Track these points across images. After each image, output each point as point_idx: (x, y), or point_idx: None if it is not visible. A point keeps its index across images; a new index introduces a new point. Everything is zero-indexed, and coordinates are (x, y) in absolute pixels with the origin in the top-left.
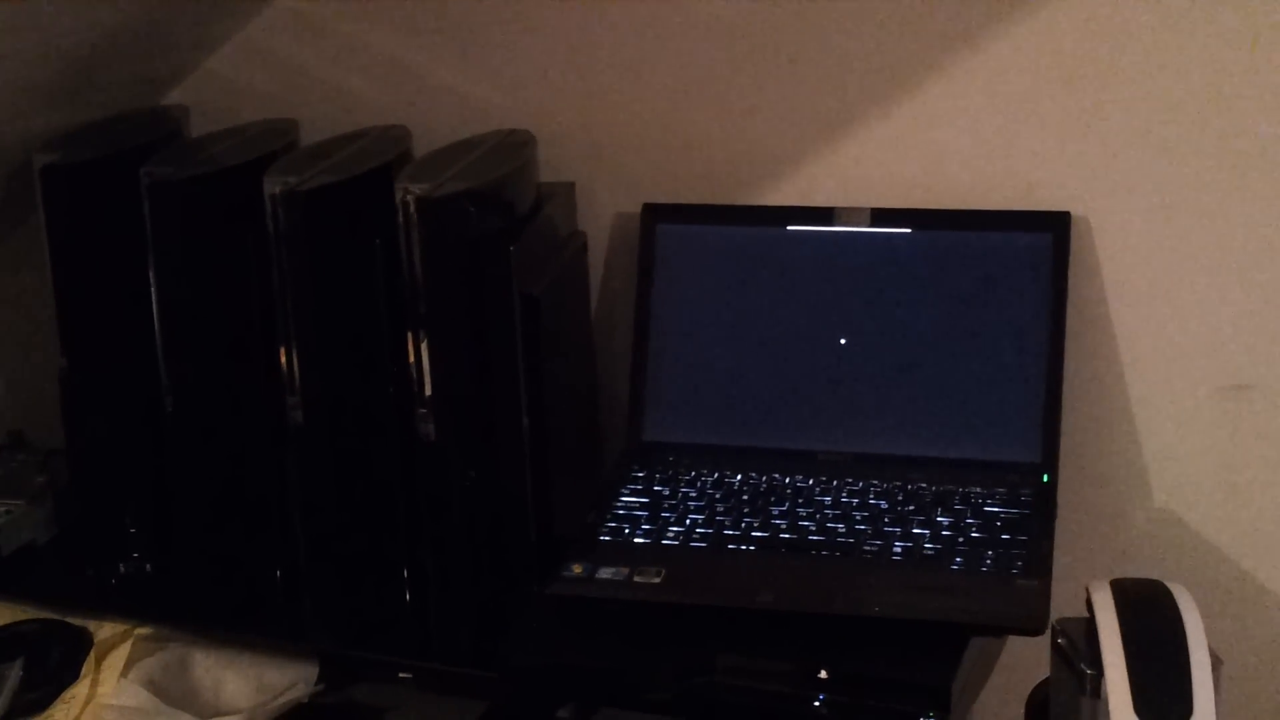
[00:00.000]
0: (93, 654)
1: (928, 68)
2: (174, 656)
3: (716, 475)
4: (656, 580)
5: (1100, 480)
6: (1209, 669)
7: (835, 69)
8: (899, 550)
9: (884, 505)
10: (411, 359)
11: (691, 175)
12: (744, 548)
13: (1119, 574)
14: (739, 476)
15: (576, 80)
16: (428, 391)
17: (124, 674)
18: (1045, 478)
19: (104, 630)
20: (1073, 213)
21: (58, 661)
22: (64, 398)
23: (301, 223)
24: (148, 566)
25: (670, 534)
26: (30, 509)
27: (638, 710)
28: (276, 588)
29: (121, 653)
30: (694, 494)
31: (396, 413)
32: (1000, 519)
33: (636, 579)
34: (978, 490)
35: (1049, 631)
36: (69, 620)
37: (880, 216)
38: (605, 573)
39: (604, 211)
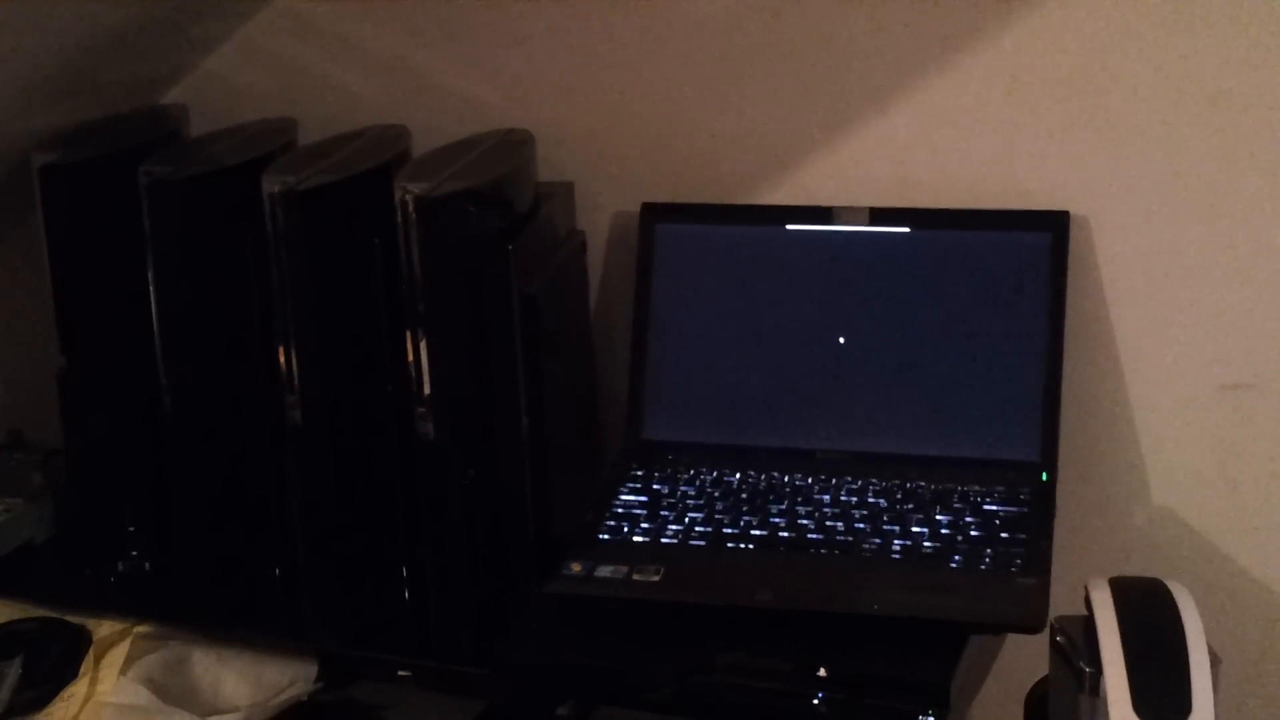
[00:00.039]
0: (92, 652)
1: (927, 67)
2: (173, 655)
3: (715, 474)
4: (655, 579)
5: (1099, 479)
6: (1208, 667)
7: (834, 68)
8: (898, 549)
9: (883, 504)
10: (410, 358)
11: (690, 174)
12: (743, 546)
13: (1118, 572)
14: (738, 475)
15: (575, 79)
16: (427, 391)
17: (123, 672)
18: (1044, 476)
19: (103, 629)
20: (1072, 212)
21: (57, 660)
22: (63, 397)
23: (300, 222)
24: (147, 565)
25: (669, 533)
26: (29, 508)
27: (637, 709)
28: (275, 586)
29: (120, 651)
30: (693, 492)
31: (395, 412)
32: (999, 517)
33: (635, 577)
34: (977, 489)
35: (1048, 630)
36: (68, 619)
37: (879, 216)
38: (604, 571)
39: (603, 211)
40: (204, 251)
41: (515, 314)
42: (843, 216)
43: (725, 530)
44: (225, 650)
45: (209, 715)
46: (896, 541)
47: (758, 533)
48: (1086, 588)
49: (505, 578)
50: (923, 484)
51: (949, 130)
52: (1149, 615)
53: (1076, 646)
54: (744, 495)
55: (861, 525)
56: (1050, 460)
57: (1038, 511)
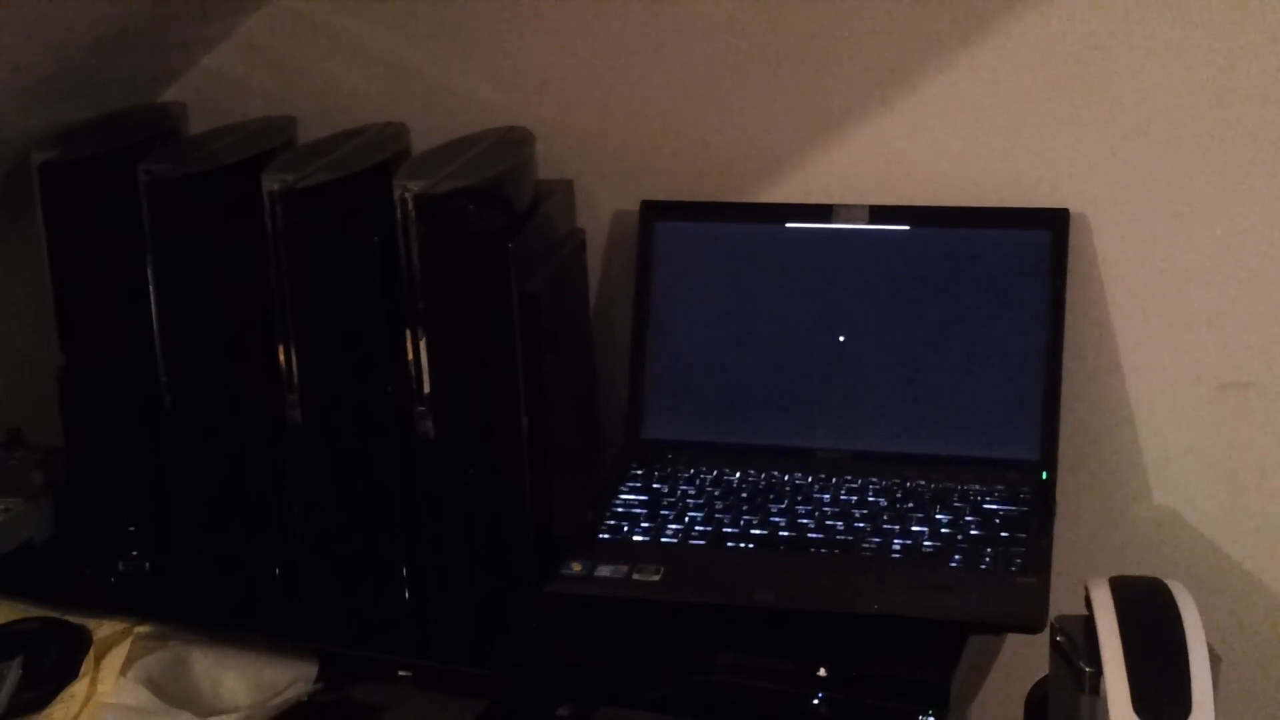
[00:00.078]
0: (92, 652)
1: (926, 65)
2: (173, 655)
3: (715, 473)
4: (655, 578)
5: (1099, 478)
6: (1208, 667)
7: (834, 66)
8: (898, 548)
9: (883, 503)
10: (410, 357)
11: (690, 172)
12: (743, 546)
13: (1118, 571)
14: (737, 474)
15: (575, 77)
16: (426, 389)
17: (123, 672)
18: (1044, 475)
19: (103, 629)
20: (1071, 210)
21: (56, 660)
22: (62, 396)
23: (300, 220)
24: (146, 565)
25: (669, 532)
26: (29, 507)
27: (636, 708)
28: (275, 586)
29: (120, 651)
30: (693, 492)
31: (395, 411)
32: (999, 516)
33: (635, 577)
34: (976, 488)
35: (1048, 629)
36: (68, 619)
37: (879, 214)
38: (604, 571)
39: (602, 209)
40: (203, 250)
41: (515, 313)
42: (842, 214)
43: (725, 530)
44: (225, 651)
45: (209, 716)
46: (896, 541)
47: (757, 532)
48: (1086, 587)
49: (505, 577)
50: (922, 483)
51: (949, 128)
52: (1149, 615)
53: (1076, 646)
54: (744, 494)
55: (861, 524)
56: (1050, 459)
57: (1038, 511)
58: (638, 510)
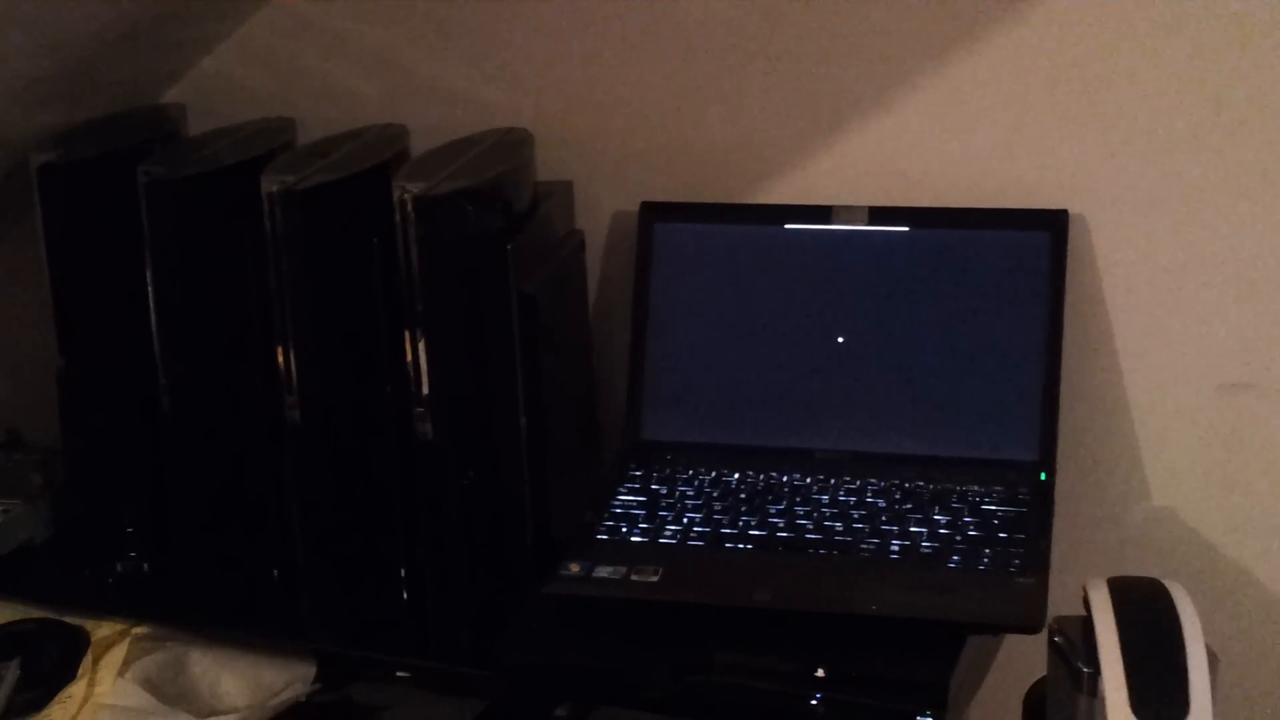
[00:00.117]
0: (90, 653)
1: (925, 66)
2: (171, 656)
3: (714, 474)
4: (654, 579)
5: (1098, 478)
6: (1206, 667)
7: (833, 67)
8: (896, 549)
9: (881, 504)
10: (409, 358)
11: (689, 173)
12: (741, 546)
13: (1116, 572)
14: (736, 475)
15: (574, 78)
16: (425, 390)
17: (121, 673)
18: (1043, 476)
19: (101, 629)
20: (1070, 211)
21: (54, 661)
22: (61, 397)
23: (299, 221)
24: (145, 566)
25: (667, 533)
26: (28, 508)
27: (635, 709)
28: (274, 587)
29: (119, 652)
30: (691, 493)
31: (394, 412)
32: (998, 517)
33: (634, 578)
34: (975, 488)
35: (1046, 630)
36: (66, 619)
37: (878, 215)
38: (603, 571)
39: (602, 210)
40: (203, 251)
41: (514, 313)
42: (842, 216)
43: (724, 530)
44: (224, 651)
45: (207, 716)
46: (895, 541)
47: (756, 533)
48: (1085, 588)
49: (504, 578)
50: (921, 484)
51: (948, 129)
52: (1147, 615)
53: (1075, 647)
54: (742, 495)
55: (860, 525)
56: (1049, 460)
57: (1036, 511)
58: (636, 511)
